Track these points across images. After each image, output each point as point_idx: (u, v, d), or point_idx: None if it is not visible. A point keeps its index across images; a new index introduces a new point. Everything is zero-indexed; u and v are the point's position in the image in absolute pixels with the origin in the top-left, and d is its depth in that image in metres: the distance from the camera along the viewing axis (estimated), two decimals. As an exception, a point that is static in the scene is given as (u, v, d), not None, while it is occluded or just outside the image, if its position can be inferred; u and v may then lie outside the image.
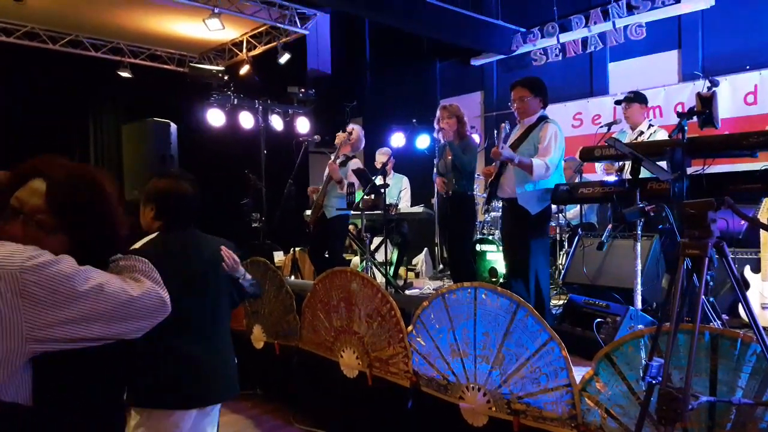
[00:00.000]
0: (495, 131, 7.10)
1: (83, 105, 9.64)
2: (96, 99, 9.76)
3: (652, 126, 4.81)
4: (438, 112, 4.79)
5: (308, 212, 6.36)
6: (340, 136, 5.39)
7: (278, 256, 7.65)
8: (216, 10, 7.41)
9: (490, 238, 6.27)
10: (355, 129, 5.44)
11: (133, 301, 1.30)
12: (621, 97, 5.12)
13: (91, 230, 1.35)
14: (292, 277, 6.33)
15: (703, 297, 2.10)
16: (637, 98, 4.84)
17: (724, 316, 3.57)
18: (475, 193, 5.06)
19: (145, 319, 1.34)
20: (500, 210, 6.05)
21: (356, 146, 5.53)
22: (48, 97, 8.52)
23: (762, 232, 4.05)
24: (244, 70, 9.07)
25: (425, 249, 7.93)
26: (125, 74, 9.21)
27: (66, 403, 1.29)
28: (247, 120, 7.64)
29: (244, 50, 9.29)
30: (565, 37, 7.84)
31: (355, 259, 6.90)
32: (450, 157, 4.69)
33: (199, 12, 7.52)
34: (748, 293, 4.03)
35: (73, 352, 1.24)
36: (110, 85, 9.41)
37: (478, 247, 6.19)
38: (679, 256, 1.93)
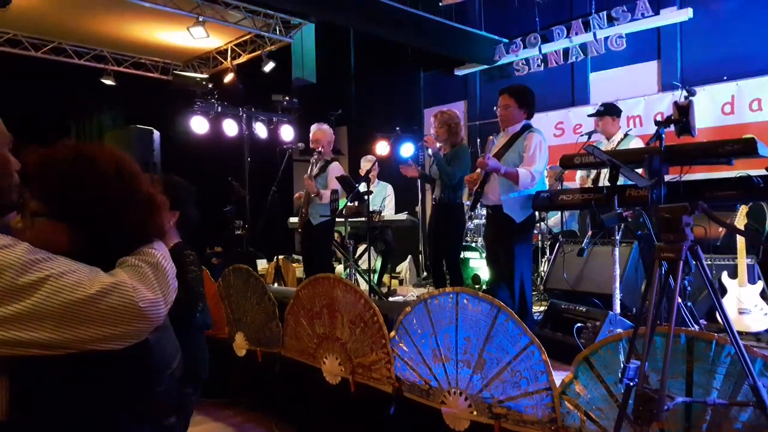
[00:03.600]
0: (478, 140, 7.17)
1: (66, 112, 9.58)
2: (79, 106, 9.70)
3: (628, 135, 4.90)
4: (431, 119, 4.80)
5: (292, 219, 6.37)
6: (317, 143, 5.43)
7: (262, 264, 7.63)
8: (200, 19, 7.41)
9: (473, 245, 6.30)
10: (318, 132, 5.46)
11: (90, 300, 1.04)
12: (594, 111, 5.21)
13: (86, 219, 1.15)
14: (276, 285, 6.31)
15: (680, 300, 2.14)
16: (607, 111, 4.94)
17: (703, 321, 3.63)
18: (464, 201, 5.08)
19: (116, 325, 1.06)
20: (483, 217, 6.10)
21: (329, 146, 5.55)
22: (30, 105, 8.45)
23: (738, 238, 4.13)
24: (229, 78, 9.07)
25: (409, 256, 7.96)
26: (109, 82, 9.16)
27: (49, 416, 1.11)
28: (230, 128, 7.64)
29: (229, 58, 9.29)
30: (546, 48, 7.93)
31: (339, 267, 6.90)
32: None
33: (183, 20, 7.51)
34: (726, 299, 4.10)
35: (56, 359, 1.05)
36: (94, 92, 9.36)
37: (461, 254, 6.21)
38: (655, 259, 1.97)
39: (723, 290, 4.11)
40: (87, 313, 1.04)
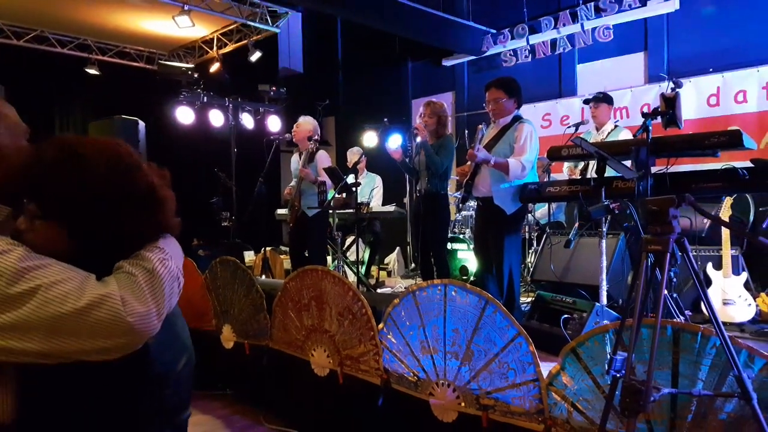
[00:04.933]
0: (466, 131, 7.17)
1: (49, 102, 9.45)
2: (62, 96, 9.57)
3: (617, 126, 4.91)
4: (421, 108, 4.77)
5: (280, 211, 6.33)
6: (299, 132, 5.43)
7: (249, 256, 7.60)
8: (186, 7, 7.32)
9: (461, 236, 6.32)
10: (302, 123, 5.46)
11: (78, 314, 1.03)
12: (590, 97, 5.21)
13: (79, 221, 1.13)
14: (263, 277, 6.29)
15: (666, 292, 2.15)
16: (605, 99, 4.95)
17: (688, 312, 3.66)
18: (449, 192, 5.07)
19: (105, 339, 1.06)
20: (471, 209, 6.11)
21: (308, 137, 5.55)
22: (12, 95, 8.31)
23: (723, 230, 4.16)
24: (215, 67, 8.98)
25: (397, 248, 7.96)
26: (93, 71, 9.04)
27: (52, 421, 1.12)
28: (217, 118, 7.57)
29: (215, 48, 9.20)
30: (534, 39, 7.94)
31: (327, 259, 6.89)
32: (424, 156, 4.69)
33: (168, 9, 7.42)
34: (710, 290, 4.14)
35: (53, 367, 1.06)
36: (77, 82, 9.24)
37: (448, 246, 6.23)
38: (642, 251, 1.98)
39: (708, 281, 4.15)
40: (75, 326, 1.04)
